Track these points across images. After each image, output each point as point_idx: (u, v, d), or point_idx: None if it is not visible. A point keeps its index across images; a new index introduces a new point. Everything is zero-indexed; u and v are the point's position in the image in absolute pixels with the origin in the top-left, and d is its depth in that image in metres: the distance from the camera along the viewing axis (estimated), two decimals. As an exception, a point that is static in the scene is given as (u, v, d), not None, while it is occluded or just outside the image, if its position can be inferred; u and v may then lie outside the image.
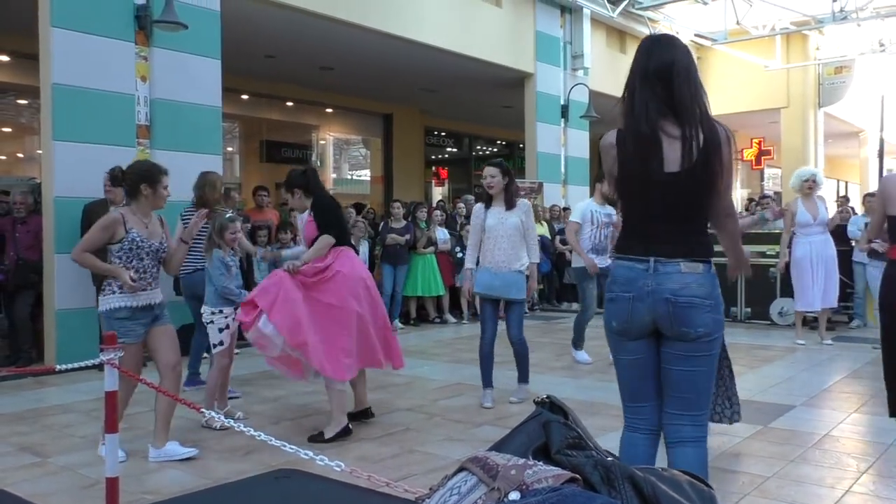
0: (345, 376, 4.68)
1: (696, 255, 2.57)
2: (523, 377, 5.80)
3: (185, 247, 4.51)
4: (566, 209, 12.47)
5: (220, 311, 5.15)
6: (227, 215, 5.38)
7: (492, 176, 5.45)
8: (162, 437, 4.25)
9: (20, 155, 11.85)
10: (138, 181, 4.18)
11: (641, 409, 2.78)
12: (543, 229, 11.85)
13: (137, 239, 4.12)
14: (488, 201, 5.58)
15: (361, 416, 5.05)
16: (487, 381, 5.67)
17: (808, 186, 7.87)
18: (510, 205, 5.49)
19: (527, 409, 1.81)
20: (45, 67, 7.14)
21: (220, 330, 5.16)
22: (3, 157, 11.75)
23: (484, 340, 5.62)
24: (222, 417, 3.11)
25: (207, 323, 5.19)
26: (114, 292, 4.12)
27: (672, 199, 2.53)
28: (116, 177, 4.20)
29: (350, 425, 4.74)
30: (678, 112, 2.54)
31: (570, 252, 10.62)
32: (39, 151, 8.34)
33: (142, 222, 4.19)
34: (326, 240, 4.80)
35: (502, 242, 5.46)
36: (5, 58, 10.39)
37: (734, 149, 2.63)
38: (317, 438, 4.60)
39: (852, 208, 11.37)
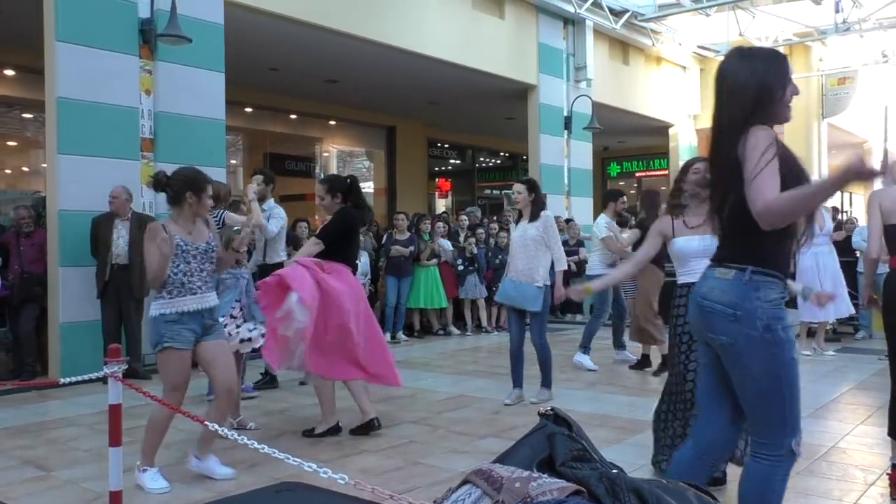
0: (331, 375, 4.89)
1: (735, 260, 2.46)
2: (546, 382, 6.07)
3: (233, 255, 4.69)
4: (569, 221, 12.47)
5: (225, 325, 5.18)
6: (235, 228, 5.44)
7: (518, 192, 5.87)
8: (207, 448, 4.17)
9: (25, 168, 11.89)
10: (184, 188, 4.07)
11: (697, 418, 2.72)
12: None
13: (182, 243, 4.00)
14: (519, 216, 6.02)
15: (367, 427, 5.04)
16: (517, 381, 6.07)
17: None
18: (534, 218, 5.83)
19: (531, 421, 1.80)
20: (50, 81, 7.18)
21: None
22: (9, 171, 11.79)
23: (511, 345, 6.10)
24: (227, 432, 3.09)
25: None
26: (162, 297, 4.00)
27: (729, 200, 2.45)
28: (160, 182, 4.16)
29: (339, 423, 5.01)
30: None
31: (576, 264, 10.67)
32: (44, 165, 8.37)
33: (184, 229, 4.07)
34: (313, 243, 4.94)
35: (520, 254, 5.81)
36: (11, 72, 10.45)
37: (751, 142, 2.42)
38: (309, 434, 4.92)
39: (856, 218, 11.35)
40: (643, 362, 7.51)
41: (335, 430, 5.01)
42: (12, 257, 7.16)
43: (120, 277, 7.00)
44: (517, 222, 6.04)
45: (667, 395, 4.01)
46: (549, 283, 5.85)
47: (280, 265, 6.78)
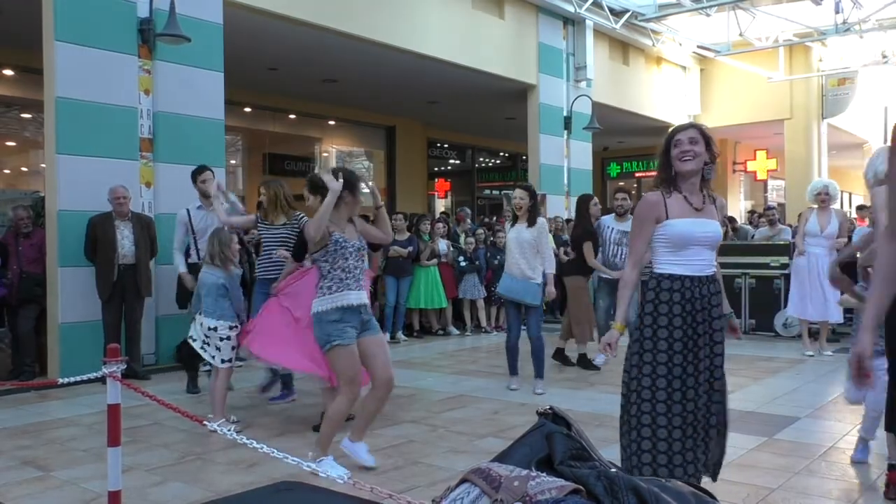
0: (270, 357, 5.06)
1: None
2: (539, 373, 6.51)
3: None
4: (569, 221, 12.46)
5: (235, 328, 5.25)
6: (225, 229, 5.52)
7: (521, 198, 6.34)
8: (360, 434, 4.33)
9: (24, 169, 11.89)
10: (324, 186, 4.20)
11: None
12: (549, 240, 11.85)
13: (341, 240, 4.13)
14: (515, 219, 6.47)
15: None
16: (513, 370, 6.68)
17: (822, 199, 7.89)
18: (532, 223, 6.31)
19: (530, 420, 1.80)
20: (49, 81, 7.18)
21: (233, 347, 5.26)
22: (8, 171, 11.79)
23: (510, 337, 6.61)
24: (225, 430, 3.09)
25: (224, 339, 5.20)
26: (323, 294, 4.11)
27: None
28: (316, 184, 4.34)
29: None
30: None
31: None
32: (43, 165, 8.36)
33: (338, 227, 4.19)
34: (291, 262, 5.23)
35: (518, 253, 6.33)
36: (9, 72, 10.45)
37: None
38: (318, 428, 4.85)
39: (854, 219, 11.36)
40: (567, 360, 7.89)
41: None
42: (11, 258, 7.14)
43: (126, 277, 6.99)
44: (513, 224, 6.47)
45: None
46: (542, 282, 6.37)
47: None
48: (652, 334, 3.12)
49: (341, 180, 4.12)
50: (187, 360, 6.48)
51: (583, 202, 7.84)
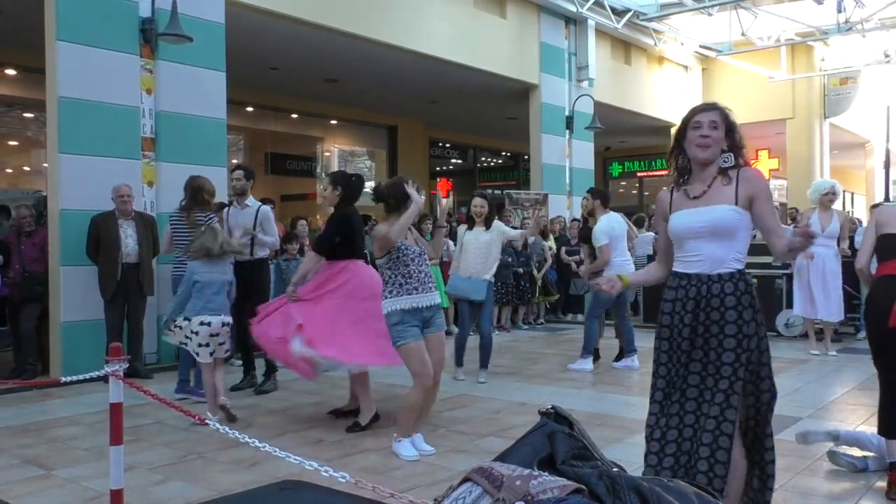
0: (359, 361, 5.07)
1: None
2: (484, 363, 6.98)
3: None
4: (575, 220, 12.46)
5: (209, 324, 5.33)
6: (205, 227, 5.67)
7: (481, 206, 6.89)
8: (416, 427, 4.61)
9: (26, 168, 11.91)
10: (403, 198, 4.52)
11: None
12: (549, 241, 11.84)
13: (403, 248, 4.48)
14: (471, 223, 6.95)
15: (351, 413, 5.38)
16: (460, 362, 7.01)
17: (829, 199, 7.90)
18: (489, 226, 6.87)
19: (531, 420, 1.80)
20: (51, 81, 7.18)
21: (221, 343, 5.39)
22: (10, 171, 11.81)
23: (461, 334, 7.02)
24: (216, 423, 3.08)
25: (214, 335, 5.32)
26: (386, 298, 4.45)
27: None
28: (381, 194, 4.67)
29: (378, 412, 5.23)
30: None
31: (577, 264, 10.65)
32: (45, 164, 8.38)
33: (401, 235, 4.49)
34: (310, 256, 5.38)
35: (474, 255, 6.81)
36: (12, 71, 10.46)
37: None
38: (354, 429, 5.09)
39: (858, 219, 11.34)
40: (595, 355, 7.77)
41: (376, 418, 5.21)
42: (14, 257, 7.15)
43: (130, 276, 7.00)
44: (469, 228, 6.96)
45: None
46: (492, 279, 6.93)
47: (264, 260, 6.80)
48: (657, 335, 3.01)
49: (423, 195, 4.56)
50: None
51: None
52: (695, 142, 2.89)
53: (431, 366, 4.50)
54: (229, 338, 5.47)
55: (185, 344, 5.40)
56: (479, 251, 6.80)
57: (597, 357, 7.76)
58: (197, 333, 5.28)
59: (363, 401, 5.27)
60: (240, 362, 7.02)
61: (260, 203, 6.82)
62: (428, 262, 4.69)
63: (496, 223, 6.94)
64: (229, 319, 5.45)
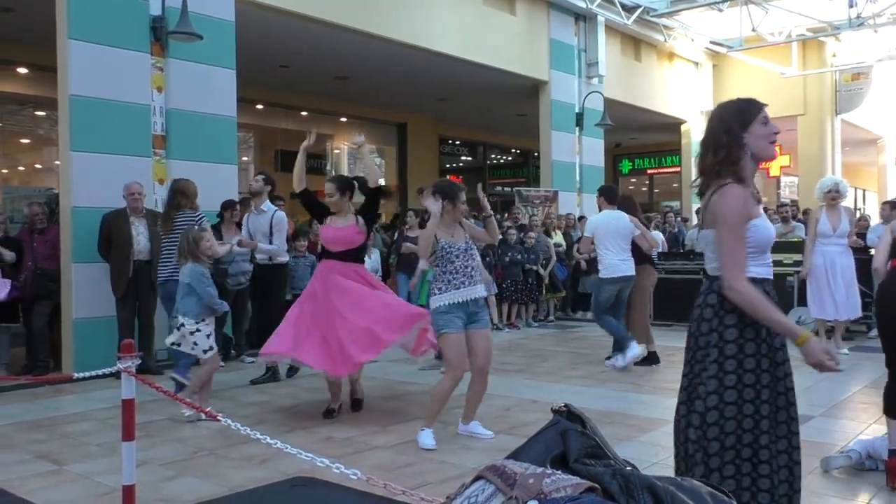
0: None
1: None
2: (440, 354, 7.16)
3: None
4: (581, 218, 12.44)
5: (204, 321, 5.41)
6: (197, 227, 5.81)
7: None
8: (470, 416, 4.90)
9: (38, 166, 11.96)
10: (442, 198, 4.73)
11: None
12: (559, 238, 11.83)
13: (446, 246, 4.70)
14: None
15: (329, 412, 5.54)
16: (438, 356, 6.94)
17: (832, 197, 7.79)
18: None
19: (542, 417, 1.79)
20: (62, 79, 7.22)
21: (209, 336, 5.44)
22: (22, 168, 11.87)
23: None
24: (242, 427, 3.09)
25: (193, 332, 5.37)
26: (434, 294, 4.71)
27: None
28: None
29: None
30: None
31: (587, 262, 10.64)
32: (57, 162, 8.42)
33: (446, 232, 4.74)
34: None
35: None
36: (24, 70, 10.51)
37: None
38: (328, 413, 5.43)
39: (868, 216, 11.27)
40: (651, 358, 7.52)
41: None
42: (26, 254, 7.20)
43: (141, 273, 7.03)
44: None
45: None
46: None
47: (284, 266, 6.96)
48: (749, 349, 2.67)
49: (439, 203, 4.70)
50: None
51: (628, 198, 8.07)
52: (769, 138, 2.61)
53: (479, 358, 4.76)
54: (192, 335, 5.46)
55: (179, 344, 5.47)
56: None
57: (656, 360, 7.61)
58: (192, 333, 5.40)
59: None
60: (251, 359, 7.07)
61: (276, 209, 6.93)
62: (477, 253, 4.93)
63: (465, 222, 7.08)
64: (182, 320, 5.42)
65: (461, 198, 4.81)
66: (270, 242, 6.86)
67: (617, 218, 7.43)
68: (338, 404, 5.57)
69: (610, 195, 7.67)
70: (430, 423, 4.72)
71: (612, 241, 7.31)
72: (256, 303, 7.51)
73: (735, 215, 2.50)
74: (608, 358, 7.62)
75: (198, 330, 5.37)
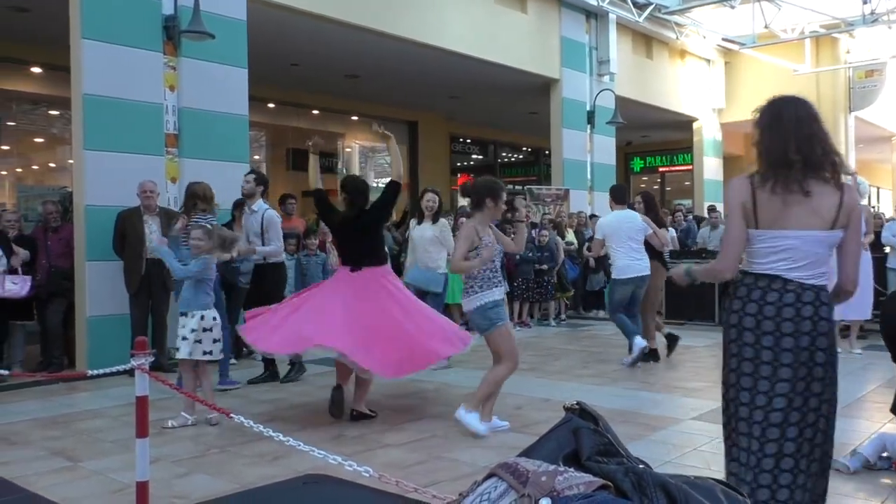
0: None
1: None
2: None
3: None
4: (593, 216, 12.41)
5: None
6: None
7: (434, 201, 7.42)
8: (475, 404, 4.82)
9: (52, 165, 12.05)
10: (485, 195, 4.79)
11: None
12: (570, 236, 11.80)
13: (490, 245, 4.78)
14: (420, 218, 7.42)
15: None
16: None
17: None
18: (435, 221, 7.40)
19: (553, 416, 1.79)
20: (76, 78, 7.26)
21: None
22: (36, 167, 11.96)
23: None
24: (254, 424, 3.11)
25: (209, 328, 5.27)
26: (474, 291, 4.76)
27: None
28: (467, 190, 4.97)
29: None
30: None
31: (595, 260, 10.62)
32: (71, 161, 8.48)
33: (483, 231, 4.81)
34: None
35: (421, 249, 7.31)
36: (37, 69, 10.58)
37: None
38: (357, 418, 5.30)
39: (883, 214, 11.18)
40: (652, 355, 7.55)
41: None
42: (40, 252, 7.25)
43: (154, 271, 7.07)
44: (419, 222, 7.40)
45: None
46: (444, 273, 7.32)
47: (281, 265, 6.84)
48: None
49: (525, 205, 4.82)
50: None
51: (650, 197, 8.16)
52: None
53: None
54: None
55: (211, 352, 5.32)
56: (423, 246, 7.28)
57: (656, 357, 7.60)
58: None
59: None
60: (260, 357, 7.08)
61: (267, 207, 6.70)
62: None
63: (442, 221, 7.48)
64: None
65: (503, 197, 4.88)
66: (263, 243, 6.62)
67: (627, 218, 7.39)
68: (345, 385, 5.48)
69: (618, 195, 7.65)
70: (476, 407, 4.77)
71: (623, 242, 7.27)
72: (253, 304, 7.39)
73: (857, 207, 2.74)
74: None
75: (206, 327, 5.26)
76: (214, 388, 5.88)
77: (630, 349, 7.42)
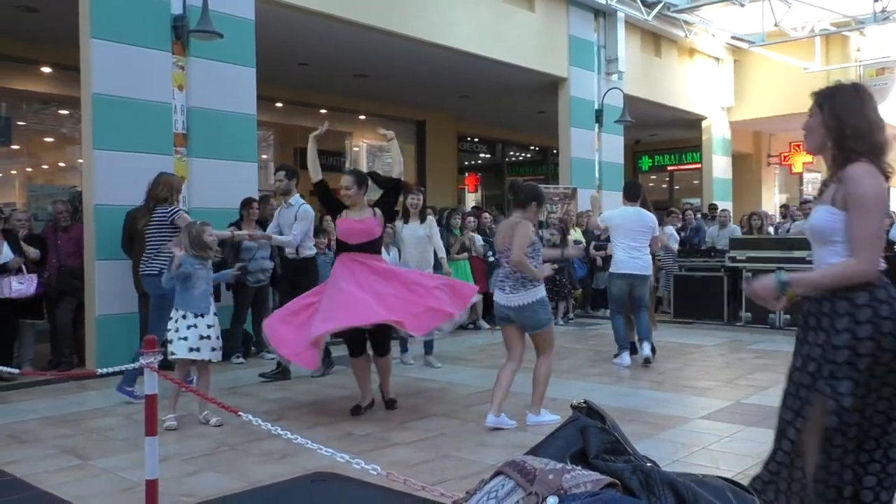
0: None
1: None
2: (429, 349, 7.54)
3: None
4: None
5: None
6: (199, 221, 5.59)
7: (419, 199, 7.40)
8: (538, 405, 5.09)
9: (62, 164, 12.09)
10: (532, 199, 5.08)
11: None
12: (578, 235, 11.78)
13: (538, 244, 5.09)
14: (406, 217, 7.36)
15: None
16: (404, 348, 7.65)
17: None
18: (423, 220, 7.39)
19: (561, 415, 1.79)
20: (85, 78, 7.30)
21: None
22: (46, 167, 12.01)
23: None
24: (263, 423, 3.11)
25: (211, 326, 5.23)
26: (534, 287, 4.96)
27: None
28: (519, 188, 5.16)
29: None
30: None
31: (603, 259, 10.60)
32: (80, 160, 8.51)
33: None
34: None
35: (413, 248, 7.28)
36: (47, 69, 10.63)
37: None
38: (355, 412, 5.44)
39: (893, 213, 11.11)
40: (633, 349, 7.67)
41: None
42: (50, 251, 7.29)
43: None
44: (406, 222, 7.35)
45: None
46: (432, 271, 7.26)
47: (312, 259, 6.93)
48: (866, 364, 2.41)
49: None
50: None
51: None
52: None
53: (514, 352, 5.11)
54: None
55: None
56: (416, 245, 7.27)
57: (633, 351, 7.61)
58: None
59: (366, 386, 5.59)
60: (271, 355, 7.10)
61: (302, 202, 6.84)
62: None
63: (430, 219, 7.52)
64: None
65: (545, 204, 5.30)
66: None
67: (634, 214, 7.39)
68: (367, 402, 5.54)
69: (629, 192, 7.65)
70: (539, 406, 5.07)
71: (623, 237, 7.31)
72: (282, 299, 7.44)
73: (880, 199, 2.47)
74: (645, 359, 7.46)
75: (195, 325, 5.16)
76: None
77: (617, 354, 7.51)
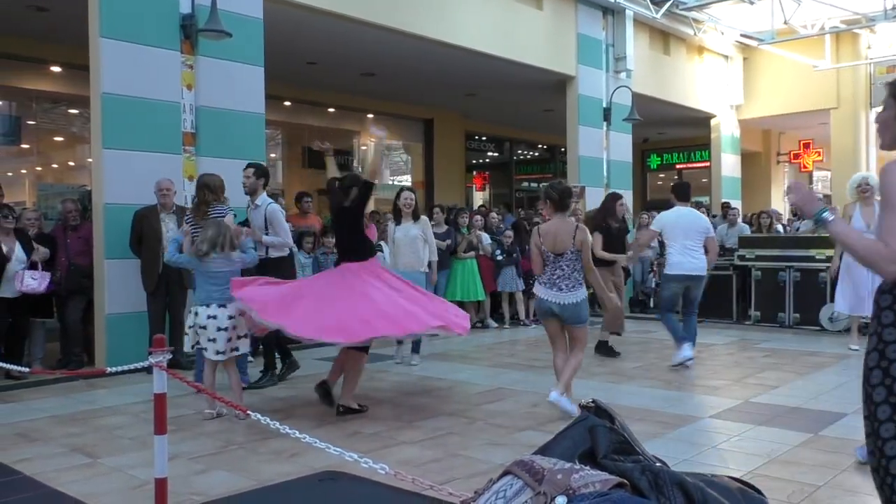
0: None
1: None
2: (415, 349, 7.60)
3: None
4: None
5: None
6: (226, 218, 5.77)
7: (411, 199, 7.34)
8: (563, 388, 5.24)
9: (72, 163, 12.14)
10: (569, 197, 5.42)
11: None
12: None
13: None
14: (398, 218, 7.37)
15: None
16: (416, 349, 7.65)
17: (862, 191, 7.68)
18: (416, 219, 7.35)
19: (570, 414, 1.79)
20: (94, 77, 7.32)
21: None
22: (56, 166, 12.06)
23: None
24: (271, 421, 3.12)
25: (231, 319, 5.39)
26: (582, 285, 5.30)
27: None
28: (559, 189, 5.39)
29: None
30: None
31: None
32: (90, 160, 8.54)
33: None
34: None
35: (406, 249, 7.24)
36: (57, 69, 10.67)
37: None
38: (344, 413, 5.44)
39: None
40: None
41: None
42: (60, 250, 7.32)
43: (171, 269, 7.09)
44: (398, 223, 7.34)
45: None
46: (426, 271, 7.37)
47: (286, 259, 6.74)
48: None
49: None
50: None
51: (611, 200, 8.29)
52: None
53: (563, 344, 5.43)
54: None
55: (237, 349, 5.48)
56: (409, 245, 7.24)
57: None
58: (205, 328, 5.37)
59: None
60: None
61: (270, 202, 6.56)
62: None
63: (423, 218, 7.51)
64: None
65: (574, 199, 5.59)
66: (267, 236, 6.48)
67: (688, 215, 7.38)
68: (333, 383, 5.69)
69: (679, 192, 7.67)
70: (565, 391, 5.25)
71: (678, 238, 7.21)
72: None
73: None
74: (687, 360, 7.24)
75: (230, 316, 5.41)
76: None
77: (677, 346, 7.23)
